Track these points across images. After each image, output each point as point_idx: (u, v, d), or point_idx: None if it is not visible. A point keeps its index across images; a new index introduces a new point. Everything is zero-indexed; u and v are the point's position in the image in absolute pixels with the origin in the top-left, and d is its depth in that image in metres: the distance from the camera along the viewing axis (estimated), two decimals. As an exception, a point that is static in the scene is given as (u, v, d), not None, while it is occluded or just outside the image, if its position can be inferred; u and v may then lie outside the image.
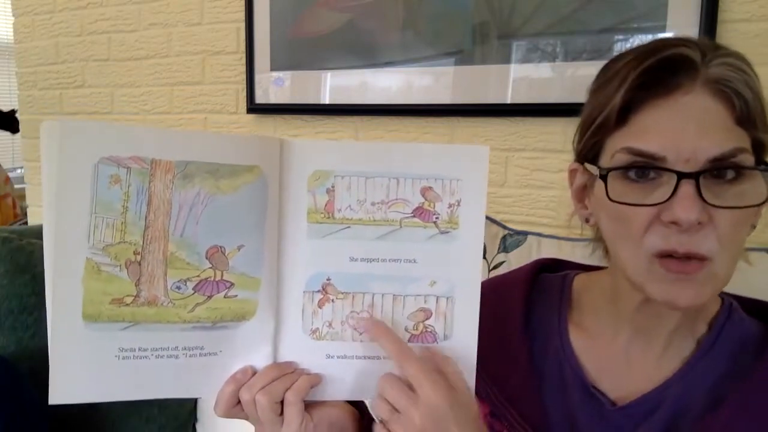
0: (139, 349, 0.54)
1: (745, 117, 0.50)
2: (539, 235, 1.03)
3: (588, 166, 0.57)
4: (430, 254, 0.57)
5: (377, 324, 0.56)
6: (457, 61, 1.23)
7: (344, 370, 0.58)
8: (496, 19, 1.18)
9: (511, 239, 1.05)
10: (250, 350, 0.57)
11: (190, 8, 1.55)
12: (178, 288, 0.54)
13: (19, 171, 3.23)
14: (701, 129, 0.50)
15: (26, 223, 1.87)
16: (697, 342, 0.59)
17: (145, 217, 0.52)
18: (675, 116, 0.51)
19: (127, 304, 0.53)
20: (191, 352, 0.55)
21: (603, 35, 1.08)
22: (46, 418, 1.02)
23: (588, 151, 0.58)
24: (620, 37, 1.08)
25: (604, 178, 0.54)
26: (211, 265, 0.54)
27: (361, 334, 0.57)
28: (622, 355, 0.61)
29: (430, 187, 0.56)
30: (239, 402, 0.56)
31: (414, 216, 0.57)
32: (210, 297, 0.55)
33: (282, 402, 0.56)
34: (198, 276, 0.54)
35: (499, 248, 1.05)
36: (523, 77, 1.17)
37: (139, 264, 0.53)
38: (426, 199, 0.56)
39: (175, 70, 1.60)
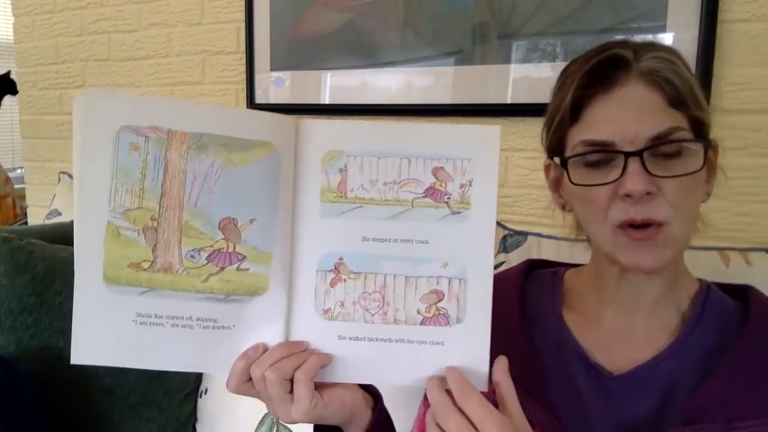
0: (156, 316, 0.56)
1: (676, 100, 0.58)
2: (539, 235, 1.03)
3: (556, 159, 0.65)
4: (442, 235, 0.57)
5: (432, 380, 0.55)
6: (457, 61, 1.23)
7: (356, 352, 0.58)
8: (496, 19, 1.18)
9: (511, 239, 1.05)
10: (262, 327, 0.58)
11: (190, 8, 1.55)
12: (192, 257, 0.56)
13: (19, 171, 3.23)
14: (640, 114, 0.58)
15: (26, 223, 1.87)
16: (681, 316, 0.64)
17: (162, 185, 0.55)
18: (617, 107, 0.59)
19: (144, 269, 0.55)
20: (205, 324, 0.57)
21: (603, 35, 1.08)
22: (46, 418, 1.02)
23: (555, 147, 0.66)
24: (620, 37, 1.07)
25: (565, 165, 0.62)
26: (223, 236, 0.56)
27: (372, 315, 0.57)
28: (613, 330, 0.66)
29: (442, 167, 0.57)
30: (250, 379, 0.57)
31: (426, 196, 0.57)
32: (223, 269, 0.56)
33: (292, 380, 0.56)
34: (211, 246, 0.56)
35: (499, 248, 1.05)
36: (523, 77, 1.17)
37: (156, 230, 0.55)
38: (437, 179, 0.57)
39: (175, 70, 1.60)
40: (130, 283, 0.55)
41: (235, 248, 0.56)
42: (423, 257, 0.57)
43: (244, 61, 1.47)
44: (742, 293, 0.66)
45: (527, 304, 0.72)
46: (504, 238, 1.05)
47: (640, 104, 0.58)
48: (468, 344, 0.57)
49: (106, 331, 0.56)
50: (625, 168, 0.57)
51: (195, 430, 1.21)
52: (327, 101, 1.38)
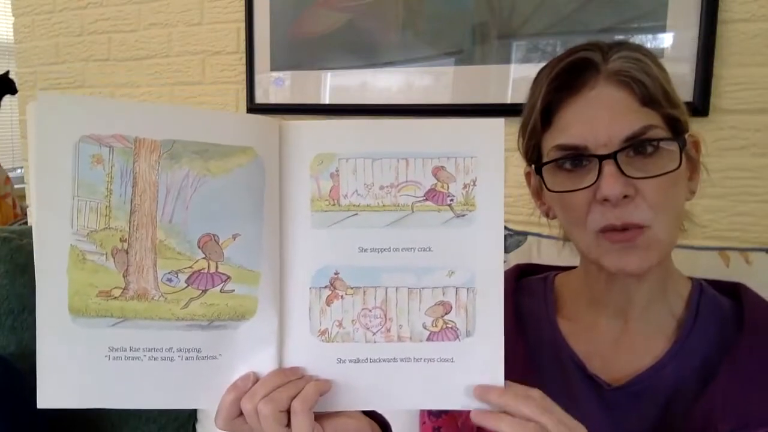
0: (131, 349, 0.50)
1: (648, 98, 0.56)
2: (539, 235, 1.03)
3: (533, 167, 0.63)
4: (447, 241, 0.52)
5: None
6: (457, 61, 1.23)
7: (358, 375, 0.53)
8: (496, 19, 1.18)
9: (511, 239, 1.05)
10: (252, 354, 0.52)
11: (190, 8, 1.55)
12: (170, 280, 0.50)
13: (19, 171, 3.23)
14: (612, 115, 0.56)
15: (26, 223, 1.86)
16: (676, 319, 0.63)
17: (131, 201, 0.49)
18: (587, 109, 0.58)
19: (116, 297, 0.49)
20: (187, 354, 0.51)
21: (603, 35, 1.08)
22: (46, 418, 1.02)
23: (531, 154, 0.64)
24: (620, 37, 1.07)
25: (539, 172, 0.61)
26: (204, 255, 0.50)
27: (374, 333, 0.53)
28: (608, 337, 0.64)
29: (443, 167, 0.52)
30: (242, 413, 0.52)
31: (426, 199, 0.52)
32: (204, 291, 0.51)
33: (289, 412, 0.51)
34: (190, 267, 0.50)
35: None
36: (523, 77, 1.17)
37: (127, 252, 0.49)
38: (439, 180, 0.52)
39: (175, 70, 1.60)
40: (100, 314, 0.49)
41: (217, 268, 0.51)
42: (427, 266, 0.52)
43: (244, 61, 1.47)
44: (734, 291, 0.65)
45: (521, 314, 0.70)
46: (504, 238, 1.05)
47: (611, 105, 0.56)
48: (480, 359, 0.52)
49: (75, 370, 0.49)
50: (600, 172, 0.55)
51: (195, 430, 1.21)
52: (327, 101, 1.38)
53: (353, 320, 0.53)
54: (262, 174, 0.51)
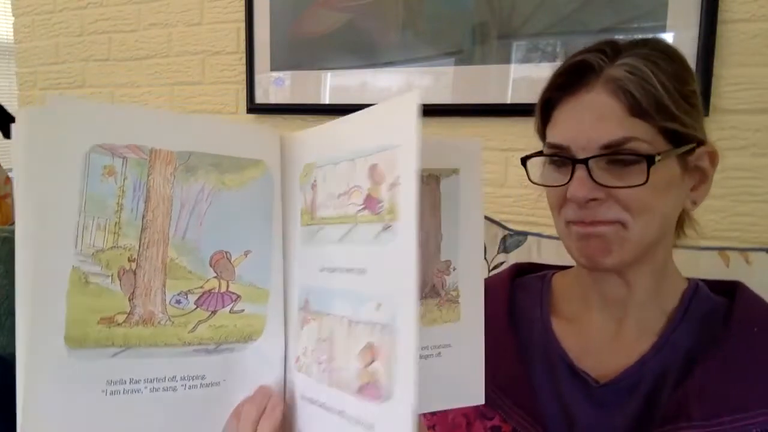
0: (131, 381, 0.45)
1: (637, 109, 0.56)
2: (539, 235, 1.03)
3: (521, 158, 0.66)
4: (378, 260, 0.41)
5: None
6: (457, 61, 1.23)
7: (309, 419, 0.46)
8: (496, 19, 1.18)
9: (511, 239, 1.05)
10: (257, 377, 0.49)
11: (190, 8, 1.55)
12: (178, 302, 0.46)
13: (19, 171, 3.23)
14: (596, 121, 0.57)
15: (26, 223, 1.86)
16: (667, 317, 0.63)
17: (143, 217, 0.45)
18: (577, 111, 0.59)
19: (119, 324, 0.44)
20: (191, 383, 0.47)
21: (603, 35, 1.08)
22: (46, 418, 1.01)
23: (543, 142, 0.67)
24: (620, 37, 1.07)
25: (524, 163, 0.63)
26: (215, 274, 0.47)
27: (323, 371, 0.44)
28: (600, 335, 0.65)
29: (376, 164, 0.42)
30: None
31: (365, 207, 0.43)
32: (214, 313, 0.47)
33: None
34: (201, 287, 0.47)
35: (499, 249, 1.05)
36: (523, 77, 1.17)
37: (134, 273, 0.45)
38: (373, 182, 0.42)
39: (175, 70, 1.60)
40: (101, 344, 0.44)
41: (228, 287, 0.47)
42: (362, 293, 0.42)
43: (244, 61, 1.47)
44: (731, 290, 0.65)
45: (515, 311, 0.71)
46: (504, 238, 1.05)
47: (600, 111, 0.57)
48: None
49: (68, 407, 0.43)
50: (572, 173, 0.57)
51: (195, 430, 1.21)
52: (327, 101, 1.38)
53: (312, 350, 0.46)
54: (271, 187, 0.49)
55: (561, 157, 0.59)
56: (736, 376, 0.57)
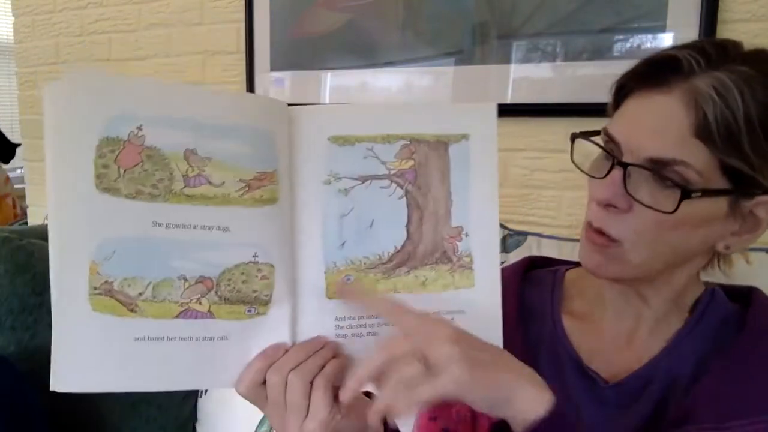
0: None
1: (704, 132, 0.50)
2: (539, 235, 1.03)
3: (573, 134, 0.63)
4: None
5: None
6: (457, 61, 1.23)
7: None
8: (496, 19, 1.18)
9: (511, 239, 1.05)
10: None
11: (190, 8, 1.55)
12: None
13: (19, 171, 3.23)
14: (656, 129, 0.53)
15: (26, 223, 1.87)
16: (683, 323, 0.62)
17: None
18: (643, 110, 0.54)
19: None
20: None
21: (603, 35, 1.08)
22: (46, 418, 1.02)
23: None
24: (620, 37, 1.07)
25: (572, 141, 0.59)
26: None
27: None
28: (612, 336, 0.64)
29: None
30: (263, 381, 0.52)
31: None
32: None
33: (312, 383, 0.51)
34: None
35: (499, 248, 1.05)
36: (523, 77, 1.17)
37: None
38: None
39: (175, 70, 1.60)
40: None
41: None
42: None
43: (244, 61, 1.47)
44: (747, 296, 0.64)
45: (525, 304, 0.70)
46: (504, 238, 1.05)
47: (663, 121, 0.52)
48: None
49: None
50: (609, 171, 0.54)
51: (195, 430, 1.21)
52: (327, 101, 1.38)
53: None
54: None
55: (607, 151, 0.56)
56: (747, 381, 0.56)
